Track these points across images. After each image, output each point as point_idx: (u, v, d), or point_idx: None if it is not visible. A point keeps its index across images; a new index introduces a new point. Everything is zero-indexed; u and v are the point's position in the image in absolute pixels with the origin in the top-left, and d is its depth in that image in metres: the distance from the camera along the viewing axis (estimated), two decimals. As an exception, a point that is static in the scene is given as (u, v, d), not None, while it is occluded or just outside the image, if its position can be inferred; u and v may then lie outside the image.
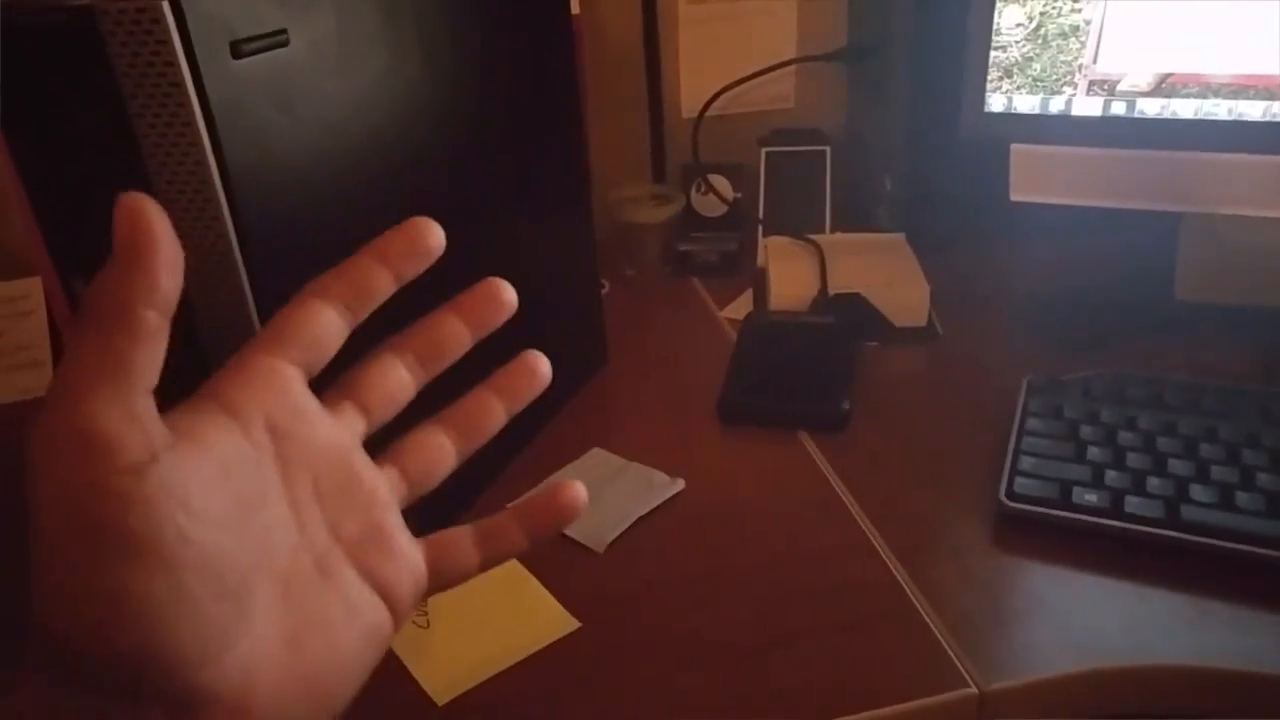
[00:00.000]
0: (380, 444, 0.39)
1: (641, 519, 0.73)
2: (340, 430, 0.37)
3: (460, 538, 0.39)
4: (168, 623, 0.28)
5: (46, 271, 0.95)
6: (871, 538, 0.70)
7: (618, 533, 0.71)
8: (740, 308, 1.04)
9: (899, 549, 0.69)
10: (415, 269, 0.38)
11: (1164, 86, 0.84)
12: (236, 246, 0.50)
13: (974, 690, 0.58)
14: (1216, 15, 0.80)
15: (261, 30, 0.50)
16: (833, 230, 1.12)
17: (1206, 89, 0.82)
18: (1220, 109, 0.82)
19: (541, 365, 0.42)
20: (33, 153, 0.52)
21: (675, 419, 0.86)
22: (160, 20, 0.45)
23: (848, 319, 0.94)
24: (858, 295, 0.96)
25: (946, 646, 0.61)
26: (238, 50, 0.49)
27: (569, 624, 0.64)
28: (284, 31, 0.51)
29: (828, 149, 1.14)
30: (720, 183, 1.17)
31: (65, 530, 0.28)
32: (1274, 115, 0.81)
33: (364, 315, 0.37)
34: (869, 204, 1.15)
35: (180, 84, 0.47)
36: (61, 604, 0.28)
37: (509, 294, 0.41)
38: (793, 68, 1.20)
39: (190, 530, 0.29)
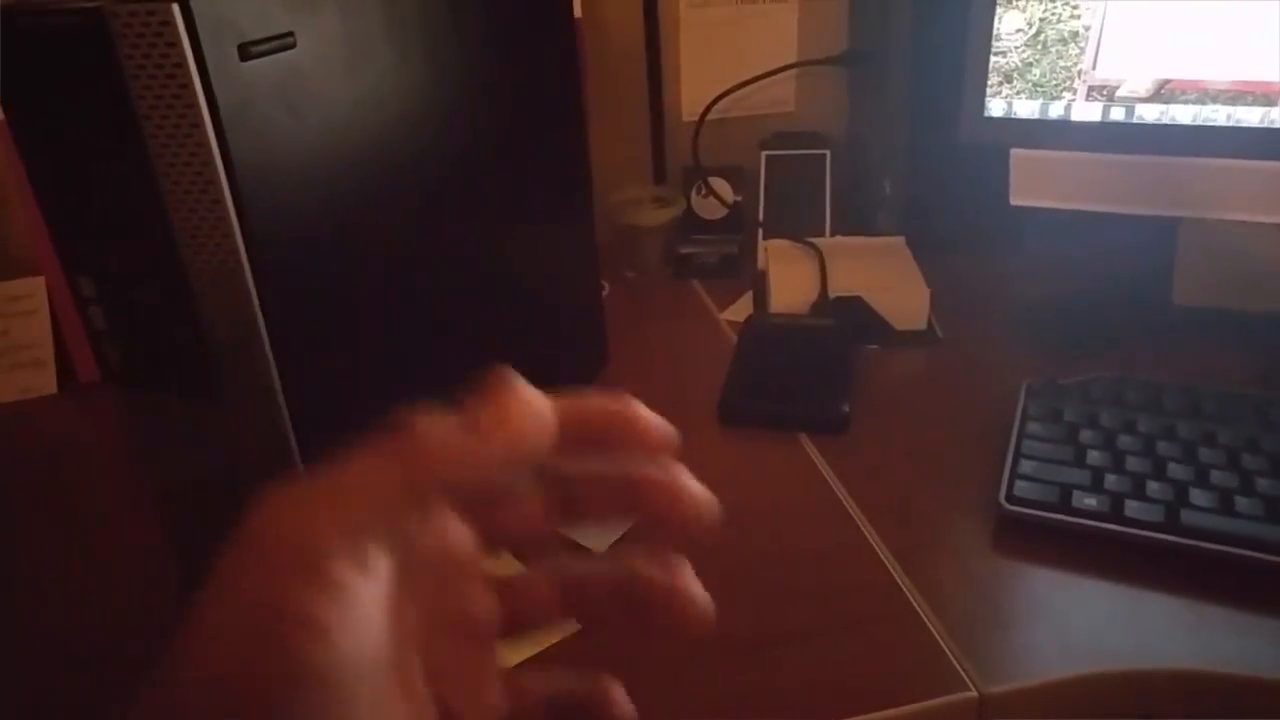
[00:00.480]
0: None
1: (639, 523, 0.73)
2: (474, 560, 0.32)
3: (534, 693, 0.34)
4: None
5: (50, 271, 0.96)
6: (871, 540, 0.70)
7: (618, 534, 0.71)
8: (740, 310, 1.04)
9: (898, 551, 0.69)
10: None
11: (1163, 92, 0.84)
12: (243, 247, 0.51)
13: (973, 693, 0.58)
14: (1215, 21, 0.81)
15: (269, 33, 0.50)
16: (833, 233, 1.13)
17: (1205, 95, 0.83)
18: (1219, 115, 0.83)
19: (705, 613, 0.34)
20: (41, 153, 0.52)
21: (675, 421, 0.85)
22: (170, 22, 0.45)
23: (848, 322, 0.95)
24: (858, 298, 0.97)
25: (946, 649, 0.61)
26: (246, 52, 0.49)
27: (569, 625, 0.64)
28: (291, 34, 0.51)
29: (828, 152, 1.15)
30: (721, 185, 1.17)
31: (249, 635, 0.25)
32: (1272, 121, 0.81)
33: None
34: (869, 207, 1.16)
35: (189, 85, 0.47)
36: (207, 693, 0.25)
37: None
38: (793, 71, 1.20)
39: (366, 669, 0.25)
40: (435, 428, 0.27)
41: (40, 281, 0.97)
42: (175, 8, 0.45)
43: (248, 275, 0.51)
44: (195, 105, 0.47)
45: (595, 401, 0.32)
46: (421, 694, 0.31)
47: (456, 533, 0.31)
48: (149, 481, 0.62)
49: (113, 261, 0.54)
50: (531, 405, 0.29)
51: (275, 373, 0.54)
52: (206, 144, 0.48)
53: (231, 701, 0.25)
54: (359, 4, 0.56)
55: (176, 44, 0.46)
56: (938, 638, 0.62)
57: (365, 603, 0.26)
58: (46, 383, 0.97)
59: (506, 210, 0.76)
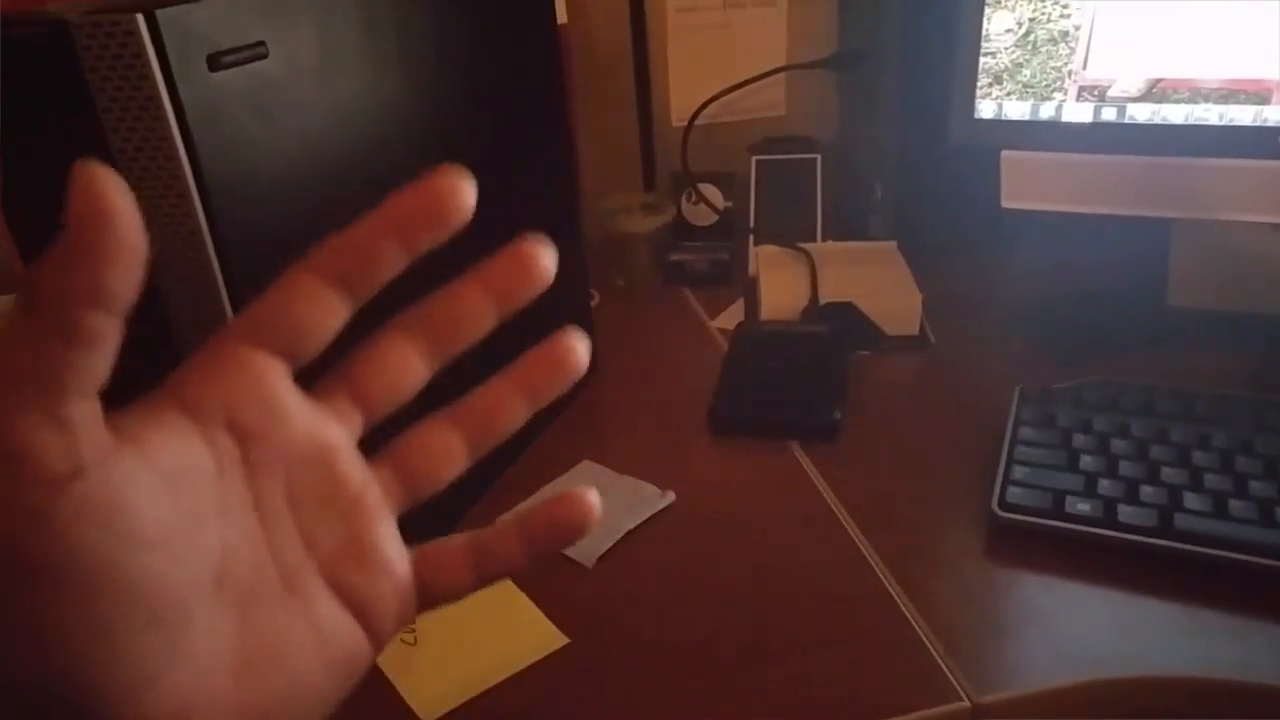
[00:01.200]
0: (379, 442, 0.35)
1: (631, 532, 0.72)
2: (325, 427, 0.32)
3: (452, 552, 0.34)
4: (83, 655, 0.25)
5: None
6: (863, 548, 0.69)
7: (607, 546, 0.71)
8: (731, 317, 1.04)
9: (890, 559, 0.68)
10: (433, 237, 0.33)
11: (1154, 92, 0.83)
12: (214, 258, 0.50)
13: (966, 703, 0.57)
14: (1206, 20, 0.80)
15: (240, 42, 0.49)
16: (824, 238, 1.12)
17: (1197, 94, 0.82)
18: (1211, 114, 0.82)
19: (579, 348, 0.35)
20: (7, 167, 0.51)
21: (666, 430, 0.85)
22: (135, 33, 0.45)
23: (839, 328, 0.94)
24: (849, 304, 0.96)
25: (938, 658, 0.60)
26: (215, 63, 0.48)
27: (557, 639, 0.64)
28: (263, 44, 0.50)
29: (818, 157, 1.14)
30: (711, 191, 1.17)
31: None
32: (1265, 120, 0.80)
33: (366, 295, 0.32)
34: (860, 212, 1.15)
35: (155, 97, 0.46)
36: None
37: (547, 259, 0.34)
38: (783, 75, 1.20)
39: (112, 554, 0.25)
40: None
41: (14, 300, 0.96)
42: (140, 19, 0.45)
43: (220, 287, 0.51)
44: (163, 117, 0.46)
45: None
46: (311, 579, 0.31)
47: (288, 407, 0.31)
48: None
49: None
50: None
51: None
52: (176, 156, 0.47)
53: None
54: (335, 13, 0.56)
55: (142, 55, 0.45)
56: (930, 647, 0.61)
57: (94, 486, 0.25)
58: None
59: (490, 220, 0.75)
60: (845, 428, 0.83)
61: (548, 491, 0.69)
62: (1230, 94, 0.81)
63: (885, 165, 1.11)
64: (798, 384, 0.87)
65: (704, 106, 1.17)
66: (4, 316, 0.84)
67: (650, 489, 0.77)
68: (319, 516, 0.32)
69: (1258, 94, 0.80)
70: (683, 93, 1.20)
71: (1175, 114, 0.83)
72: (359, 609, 0.32)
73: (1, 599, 0.25)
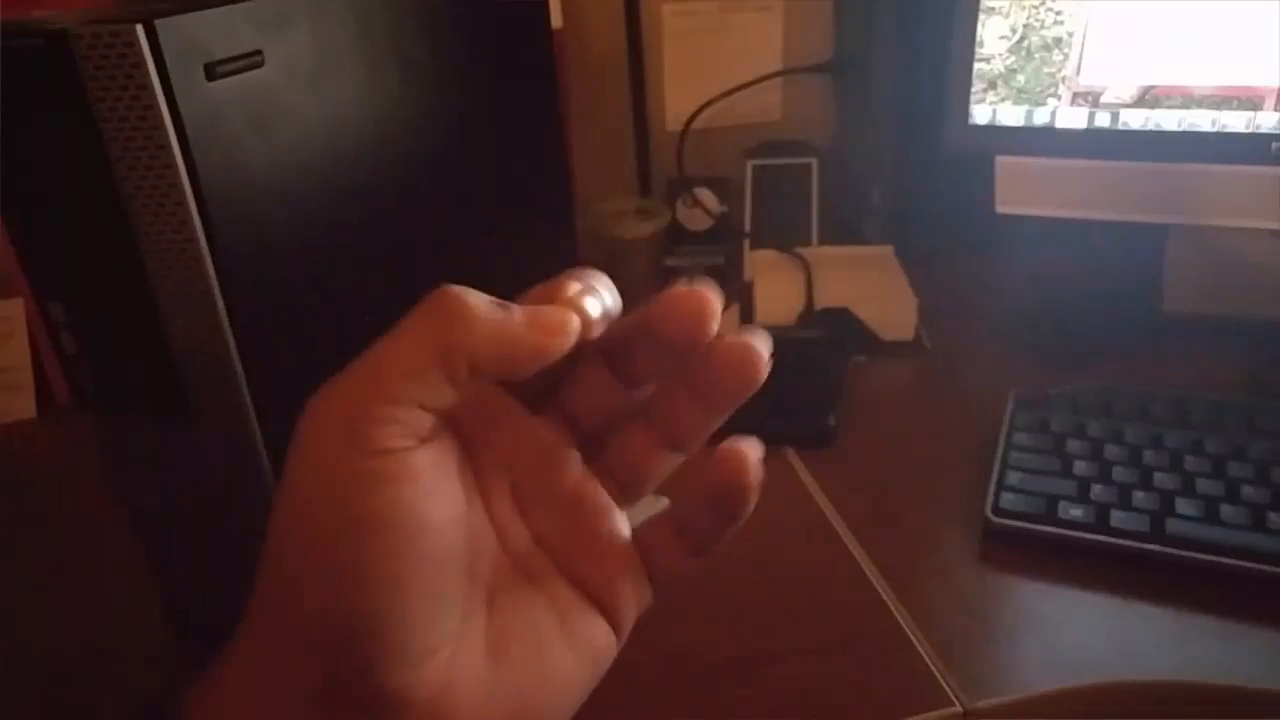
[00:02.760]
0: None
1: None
2: (542, 429, 0.34)
3: (662, 527, 0.35)
4: (387, 608, 0.28)
5: (28, 293, 0.95)
6: (856, 554, 0.70)
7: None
8: (727, 322, 1.03)
9: (884, 566, 0.68)
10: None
11: (1147, 98, 0.84)
12: (211, 267, 0.50)
13: (958, 708, 0.57)
14: (1200, 26, 0.80)
15: (236, 51, 0.50)
16: (820, 243, 1.12)
17: (1190, 100, 0.82)
18: (1204, 120, 0.82)
19: (761, 349, 0.34)
20: (7, 176, 0.52)
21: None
22: (134, 44, 0.45)
23: (835, 334, 0.94)
24: (845, 309, 0.96)
25: (931, 664, 0.60)
26: (212, 72, 0.48)
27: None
28: (259, 52, 0.51)
29: (814, 161, 1.14)
30: (706, 196, 1.17)
31: (315, 500, 0.28)
32: (1258, 126, 0.81)
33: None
34: (856, 217, 1.15)
35: (154, 106, 0.46)
36: (293, 572, 0.28)
37: (763, 358, 0.33)
38: (779, 80, 1.20)
39: (430, 519, 0.28)
40: (470, 296, 0.29)
41: (18, 304, 0.96)
42: (139, 29, 0.45)
43: (217, 295, 0.51)
44: (161, 126, 0.47)
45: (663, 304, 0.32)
46: (548, 570, 0.33)
47: (511, 414, 0.33)
48: (125, 503, 0.61)
49: (82, 285, 0.54)
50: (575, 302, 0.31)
51: (246, 391, 0.53)
52: (173, 164, 0.48)
53: (310, 556, 0.28)
54: (330, 21, 0.56)
55: (141, 65, 0.45)
56: (923, 652, 0.61)
57: (417, 462, 0.28)
58: (25, 407, 0.96)
59: (485, 226, 0.76)
60: (840, 433, 0.83)
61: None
62: (1223, 100, 0.81)
63: (881, 170, 1.12)
64: (793, 390, 0.88)
65: (700, 111, 1.18)
66: (3, 322, 0.83)
67: (646, 497, 0.76)
68: (548, 516, 0.34)
69: (1250, 100, 0.80)
70: (678, 97, 1.20)
71: (1169, 120, 0.84)
72: (597, 598, 0.34)
73: (330, 545, 0.28)
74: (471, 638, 0.31)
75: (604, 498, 0.34)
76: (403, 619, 0.28)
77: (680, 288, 0.32)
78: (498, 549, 0.33)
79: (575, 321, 0.30)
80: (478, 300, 0.29)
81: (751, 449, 0.34)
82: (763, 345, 0.33)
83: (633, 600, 0.34)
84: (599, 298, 0.32)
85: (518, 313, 0.29)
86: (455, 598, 0.30)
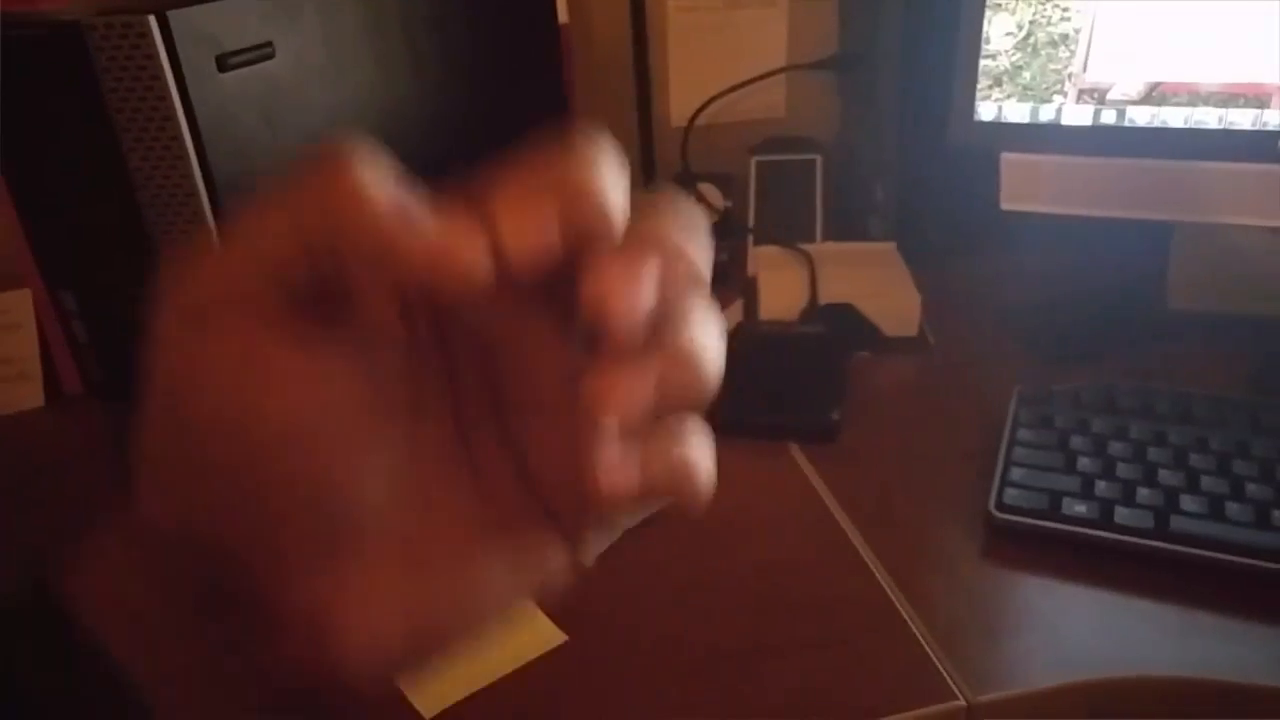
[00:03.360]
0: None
1: (629, 531, 0.72)
2: (530, 319, 0.28)
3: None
4: (246, 521, 0.25)
5: (35, 284, 0.95)
6: (860, 549, 0.70)
7: (606, 545, 0.71)
8: (731, 318, 1.04)
9: (888, 560, 0.68)
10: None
11: (1154, 95, 0.84)
12: (223, 260, 0.50)
13: (962, 702, 0.57)
14: (1206, 23, 0.81)
15: (248, 43, 0.50)
16: (823, 239, 1.12)
17: (1196, 97, 0.83)
18: (1210, 117, 0.83)
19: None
20: (20, 166, 0.52)
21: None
22: (147, 34, 0.45)
23: (838, 329, 0.94)
24: (848, 305, 0.96)
25: (934, 658, 0.60)
26: (224, 63, 0.49)
27: (556, 637, 0.64)
28: (270, 44, 0.51)
29: (818, 158, 1.14)
30: (711, 192, 1.17)
31: (168, 400, 0.24)
32: (1264, 124, 0.81)
33: None
34: (860, 213, 1.15)
35: (167, 97, 0.47)
36: (151, 480, 0.26)
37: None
38: (783, 76, 1.20)
39: (292, 440, 0.24)
40: (364, 172, 0.24)
41: (26, 294, 0.97)
42: (152, 20, 0.45)
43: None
44: (173, 117, 0.47)
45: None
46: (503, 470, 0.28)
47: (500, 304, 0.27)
48: (134, 494, 0.62)
49: (93, 275, 0.54)
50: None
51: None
52: (185, 155, 0.48)
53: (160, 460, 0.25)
54: (339, 13, 0.56)
55: (154, 56, 0.46)
56: (926, 647, 0.61)
57: (270, 356, 0.24)
58: (34, 396, 0.96)
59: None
60: (844, 429, 0.83)
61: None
62: (1230, 98, 0.81)
63: (885, 166, 1.12)
64: (796, 385, 0.88)
65: (704, 107, 1.18)
66: (3, 314, 0.84)
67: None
68: (522, 413, 0.29)
69: (1257, 98, 0.81)
70: (683, 93, 1.20)
71: (1175, 117, 0.84)
72: (555, 507, 0.29)
73: (181, 452, 0.25)
74: (383, 540, 0.27)
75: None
76: (279, 530, 0.25)
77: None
78: (447, 438, 0.28)
79: (480, 265, 0.23)
80: (373, 182, 0.23)
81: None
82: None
83: (595, 517, 0.30)
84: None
85: (423, 223, 0.24)
86: (355, 502, 0.26)
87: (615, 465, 0.26)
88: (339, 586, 0.26)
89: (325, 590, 0.26)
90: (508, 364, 0.28)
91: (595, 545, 0.31)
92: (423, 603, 0.27)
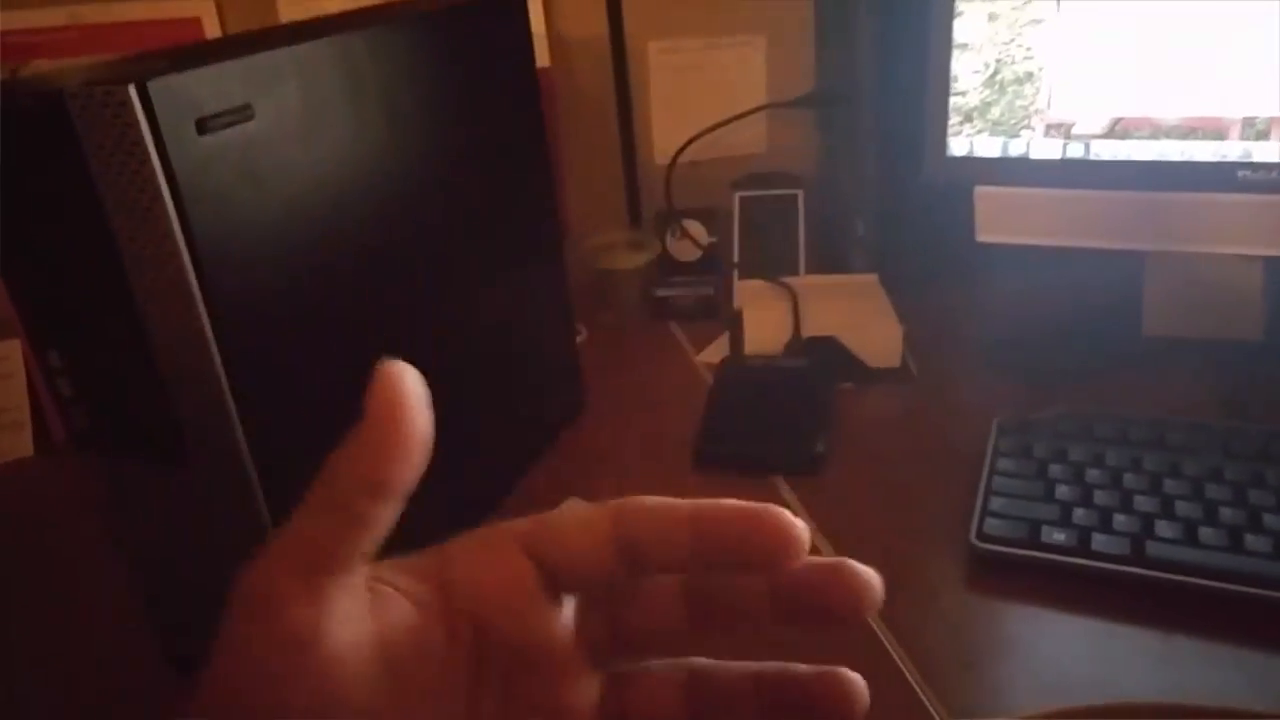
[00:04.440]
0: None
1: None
2: (572, 657, 0.33)
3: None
4: None
5: (25, 334, 0.96)
6: (844, 581, 0.70)
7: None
8: (716, 352, 1.05)
9: (871, 591, 0.69)
10: (738, 566, 0.31)
11: (1117, 129, 0.85)
12: (206, 317, 0.51)
13: (944, 732, 0.58)
14: (1163, 60, 0.82)
15: (226, 106, 0.51)
16: (806, 272, 1.14)
17: (1158, 130, 0.84)
18: (1172, 150, 0.84)
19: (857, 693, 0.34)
20: (4, 229, 0.53)
21: (651, 465, 0.87)
22: (127, 103, 0.47)
23: (822, 362, 0.96)
24: (832, 338, 0.97)
25: (916, 686, 0.61)
26: (203, 126, 0.50)
27: None
28: (249, 106, 0.52)
29: (800, 192, 1.16)
30: (695, 228, 1.18)
31: (219, 675, 0.29)
32: (1224, 156, 0.82)
33: (647, 573, 0.32)
34: (842, 246, 1.17)
35: (148, 162, 0.48)
36: None
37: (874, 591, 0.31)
38: (763, 113, 1.22)
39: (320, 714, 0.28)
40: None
41: (16, 345, 0.98)
42: (132, 89, 0.46)
43: (212, 344, 0.52)
44: (154, 180, 0.48)
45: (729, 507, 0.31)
46: None
47: (541, 620, 0.32)
48: (122, 544, 0.63)
49: (78, 334, 0.55)
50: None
51: (242, 438, 0.55)
52: (166, 217, 0.49)
53: None
54: (318, 74, 0.57)
55: (134, 124, 0.47)
56: (908, 675, 0.62)
57: (327, 637, 0.28)
58: (23, 445, 0.97)
59: (476, 265, 0.77)
60: (828, 461, 0.84)
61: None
62: (1189, 130, 0.83)
63: (865, 200, 1.13)
64: (780, 418, 0.89)
65: (687, 145, 1.19)
66: (1, 362, 0.84)
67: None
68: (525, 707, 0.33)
69: (1215, 131, 0.82)
70: (666, 131, 1.22)
71: (1138, 151, 0.85)
72: None
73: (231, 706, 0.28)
74: None
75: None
76: None
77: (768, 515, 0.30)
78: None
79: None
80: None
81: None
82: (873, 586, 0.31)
83: None
84: None
85: None
86: None
87: None
88: None
89: None
90: (532, 682, 0.32)
91: None
92: None
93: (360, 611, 0.30)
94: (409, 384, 0.29)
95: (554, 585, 0.32)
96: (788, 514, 0.30)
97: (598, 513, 0.31)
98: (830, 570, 0.31)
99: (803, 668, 0.34)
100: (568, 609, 0.33)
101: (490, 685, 0.32)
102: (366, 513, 0.29)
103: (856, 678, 0.33)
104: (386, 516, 0.29)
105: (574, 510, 0.32)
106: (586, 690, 0.33)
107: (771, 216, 1.17)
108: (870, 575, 0.31)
